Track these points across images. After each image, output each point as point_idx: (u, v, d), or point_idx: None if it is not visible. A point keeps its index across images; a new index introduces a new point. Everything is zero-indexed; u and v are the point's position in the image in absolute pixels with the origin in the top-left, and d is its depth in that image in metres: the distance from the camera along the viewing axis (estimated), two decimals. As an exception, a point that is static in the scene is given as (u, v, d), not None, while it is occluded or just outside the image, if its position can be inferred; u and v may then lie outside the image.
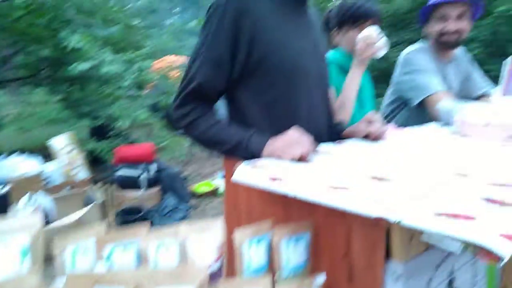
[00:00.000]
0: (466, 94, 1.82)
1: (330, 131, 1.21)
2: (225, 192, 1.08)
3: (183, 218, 3.53)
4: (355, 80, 1.40)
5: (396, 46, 11.88)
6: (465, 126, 1.18)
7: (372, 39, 1.35)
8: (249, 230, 0.76)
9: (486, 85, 1.85)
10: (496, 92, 1.35)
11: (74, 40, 4.09)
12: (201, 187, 4.39)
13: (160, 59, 6.85)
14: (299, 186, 0.76)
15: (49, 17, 4.87)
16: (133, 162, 3.78)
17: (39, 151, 4.74)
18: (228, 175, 1.01)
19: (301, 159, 0.92)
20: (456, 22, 1.65)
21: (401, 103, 1.76)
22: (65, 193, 3.37)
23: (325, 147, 1.06)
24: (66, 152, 3.71)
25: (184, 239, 0.76)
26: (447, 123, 1.36)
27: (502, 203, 0.62)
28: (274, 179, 0.80)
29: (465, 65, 1.85)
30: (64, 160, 3.65)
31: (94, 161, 4.85)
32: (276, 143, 0.96)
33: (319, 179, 0.78)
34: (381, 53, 1.36)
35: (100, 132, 4.76)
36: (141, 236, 0.74)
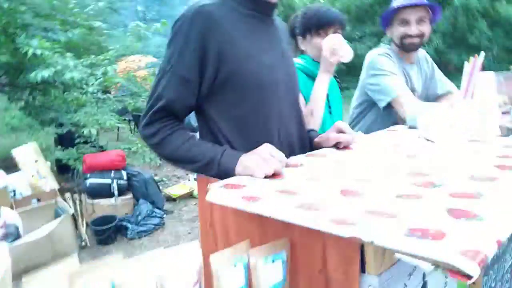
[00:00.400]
0: (429, 94, 1.89)
1: (301, 139, 1.22)
2: (199, 211, 1.07)
3: (158, 224, 3.48)
4: (322, 86, 1.42)
5: (361, 38, 12.09)
6: (429, 129, 1.22)
7: (336, 44, 1.36)
8: (225, 253, 0.76)
9: (448, 84, 1.92)
10: (457, 95, 1.40)
11: (33, 46, 3.93)
12: (175, 189, 4.34)
13: (125, 60, 6.69)
14: (273, 206, 0.76)
15: (5, 22, 4.65)
16: (103, 170, 3.69)
17: (2, 162, 4.54)
18: (201, 195, 1.00)
19: (274, 175, 0.92)
20: (417, 26, 1.71)
21: (368, 105, 1.80)
22: (33, 206, 3.25)
23: (297, 159, 1.07)
24: (32, 163, 3.57)
25: (160, 266, 0.74)
26: (413, 126, 1.40)
27: (471, 216, 0.65)
28: (248, 199, 0.80)
29: (427, 66, 1.92)
30: (29, 171, 3.51)
31: (62, 170, 4.70)
32: (247, 161, 0.95)
33: (292, 198, 0.78)
34: (347, 58, 1.38)
35: (66, 140, 4.61)
36: (115, 267, 0.72)
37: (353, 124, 1.89)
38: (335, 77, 1.74)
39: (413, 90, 1.77)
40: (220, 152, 1.00)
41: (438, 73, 1.95)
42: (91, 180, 3.57)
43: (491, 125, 1.26)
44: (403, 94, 1.62)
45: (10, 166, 3.58)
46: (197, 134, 1.16)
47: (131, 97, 5.21)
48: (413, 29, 1.70)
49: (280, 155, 0.96)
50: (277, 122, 1.12)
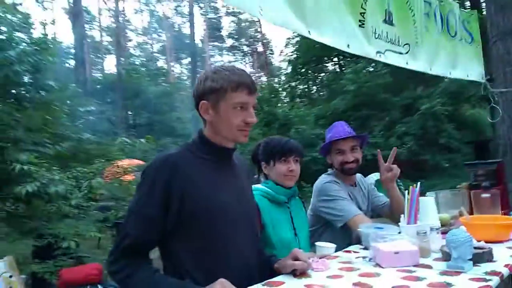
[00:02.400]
0: (373, 208, 2.15)
1: (261, 266, 1.33)
2: None
3: None
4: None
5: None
6: (378, 254, 1.34)
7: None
8: None
9: (382, 196, 2.18)
10: (402, 220, 1.55)
11: (22, 161, 4.10)
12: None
13: (113, 165, 6.88)
14: None
15: (-4, 136, 4.88)
16: (78, 285, 3.59)
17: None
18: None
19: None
20: (351, 154, 1.96)
21: (323, 226, 1.95)
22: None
23: (254, 288, 1.16)
24: (6, 278, 3.47)
25: None
26: (366, 246, 1.52)
27: None
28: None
29: (365, 185, 2.18)
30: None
31: (37, 284, 4.51)
32: None
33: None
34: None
35: (44, 251, 4.52)
36: None
37: (312, 244, 2.01)
38: (299, 196, 1.90)
39: (360, 209, 1.95)
40: None
41: (374, 190, 2.22)
42: (65, 297, 3.46)
43: (431, 246, 1.40)
44: (357, 216, 1.78)
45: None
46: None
47: (116, 201, 5.26)
48: (349, 157, 1.96)
49: (234, 290, 1.05)
50: (235, 252, 1.23)
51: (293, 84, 20.52)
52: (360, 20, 1.92)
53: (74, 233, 4.05)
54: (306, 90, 21.94)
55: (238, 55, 36.57)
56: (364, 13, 1.92)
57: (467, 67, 2.63)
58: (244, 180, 1.40)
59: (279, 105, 15.24)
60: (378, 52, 2.01)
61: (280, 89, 19.76)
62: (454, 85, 12.44)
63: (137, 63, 24.46)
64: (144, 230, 1.16)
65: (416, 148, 11.37)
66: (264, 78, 27.59)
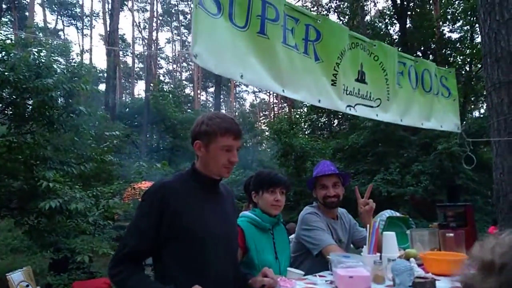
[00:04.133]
0: (353, 240, 2.34)
1: (236, 281, 1.55)
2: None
3: None
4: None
5: (355, 175, 12.66)
6: (336, 277, 1.55)
7: None
8: None
9: (363, 231, 2.32)
10: (364, 250, 1.76)
11: (48, 178, 4.47)
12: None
13: (131, 186, 7.25)
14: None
15: (27, 154, 5.31)
16: (88, 298, 3.84)
17: (-4, 284, 4.69)
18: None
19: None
20: (333, 189, 2.20)
21: (305, 252, 2.16)
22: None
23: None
24: (22, 286, 3.76)
25: None
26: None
27: None
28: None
29: (347, 220, 2.39)
30: (18, 296, 3.67)
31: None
32: None
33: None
34: None
35: (60, 264, 4.83)
36: None
37: (295, 268, 2.21)
38: (282, 222, 2.12)
39: (339, 241, 2.15)
40: None
41: (355, 224, 2.41)
42: (75, 308, 3.70)
43: (387, 275, 1.59)
44: (330, 246, 1.99)
45: (3, 289, 3.76)
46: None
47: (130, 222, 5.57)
48: (331, 191, 2.20)
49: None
50: (214, 267, 1.46)
51: (314, 116, 20.74)
52: (332, 80, 2.17)
53: (89, 248, 4.35)
54: (327, 122, 22.13)
55: (262, 85, 37.28)
56: (336, 74, 2.17)
57: (442, 118, 2.83)
58: (228, 207, 1.65)
59: (300, 135, 15.50)
60: (348, 106, 2.24)
61: (301, 121, 20.00)
62: (475, 126, 12.42)
63: (165, 89, 25.38)
64: (140, 241, 1.41)
65: (432, 187, 11.32)
66: (286, 109, 27.99)
